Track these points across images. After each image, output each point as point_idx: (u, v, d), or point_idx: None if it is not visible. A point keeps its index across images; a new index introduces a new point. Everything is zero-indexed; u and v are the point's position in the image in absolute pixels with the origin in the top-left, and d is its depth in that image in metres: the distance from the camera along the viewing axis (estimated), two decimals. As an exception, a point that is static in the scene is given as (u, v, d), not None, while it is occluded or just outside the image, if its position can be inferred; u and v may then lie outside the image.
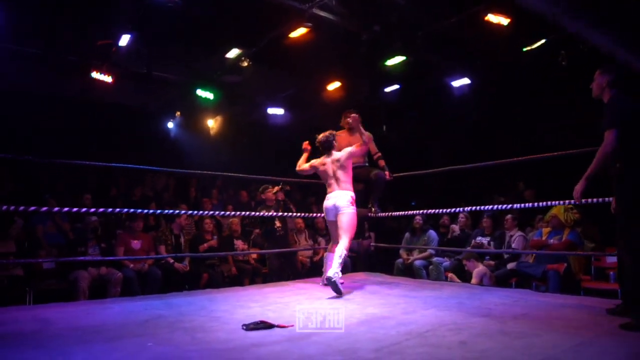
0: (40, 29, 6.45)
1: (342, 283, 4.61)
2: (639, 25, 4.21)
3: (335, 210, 4.73)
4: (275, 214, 6.48)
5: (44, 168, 7.01)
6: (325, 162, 4.89)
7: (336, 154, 4.85)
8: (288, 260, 6.94)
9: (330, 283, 4.35)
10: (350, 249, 7.04)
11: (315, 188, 7.58)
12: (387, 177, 5.68)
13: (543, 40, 7.28)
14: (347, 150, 4.80)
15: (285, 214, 6.63)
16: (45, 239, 6.05)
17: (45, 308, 4.17)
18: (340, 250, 4.52)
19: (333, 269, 4.38)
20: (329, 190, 4.87)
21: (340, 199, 4.71)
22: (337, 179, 4.80)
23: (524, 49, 7.44)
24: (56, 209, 4.26)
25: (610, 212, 3.39)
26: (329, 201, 4.80)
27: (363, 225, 6.94)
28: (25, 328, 3.30)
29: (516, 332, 2.94)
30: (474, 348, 2.61)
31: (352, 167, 4.89)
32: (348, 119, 5.48)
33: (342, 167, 4.78)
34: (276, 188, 6.75)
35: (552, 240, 5.74)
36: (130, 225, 6.38)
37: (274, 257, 6.79)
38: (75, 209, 4.33)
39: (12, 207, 3.87)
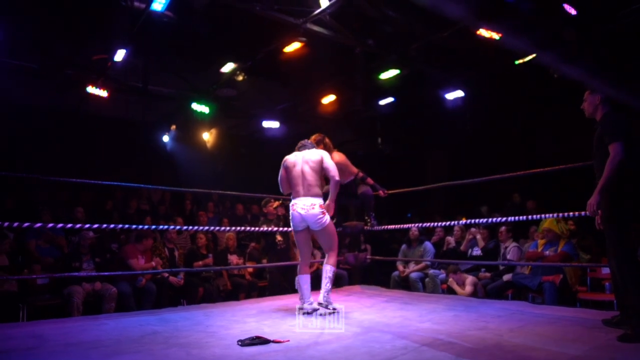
0: (37, 44, 6.50)
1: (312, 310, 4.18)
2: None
3: (309, 221, 4.18)
4: (275, 228, 6.48)
5: (39, 182, 6.99)
6: (296, 163, 4.31)
7: (308, 153, 4.30)
8: (289, 275, 6.91)
9: (325, 309, 4.01)
10: (346, 262, 7.10)
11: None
12: (382, 194, 5.65)
13: (534, 54, 7.37)
14: (325, 157, 4.29)
15: (285, 228, 6.61)
16: (39, 253, 6.02)
17: (40, 324, 4.14)
18: (330, 268, 4.16)
19: (323, 294, 4.06)
20: (294, 195, 4.27)
21: (313, 209, 4.14)
22: (306, 183, 4.21)
23: (516, 62, 7.53)
24: (50, 225, 4.23)
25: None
26: (297, 208, 4.18)
27: (359, 238, 6.96)
28: (19, 345, 3.27)
29: (512, 345, 2.95)
30: (470, 362, 2.62)
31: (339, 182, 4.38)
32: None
33: (313, 169, 4.22)
34: (276, 203, 6.78)
35: (547, 252, 5.75)
36: (140, 241, 6.35)
37: (275, 271, 6.78)
38: (69, 225, 4.32)
39: (5, 224, 3.85)
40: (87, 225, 4.55)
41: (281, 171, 4.39)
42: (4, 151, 6.62)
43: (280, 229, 6.46)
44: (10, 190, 6.90)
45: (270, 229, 6.43)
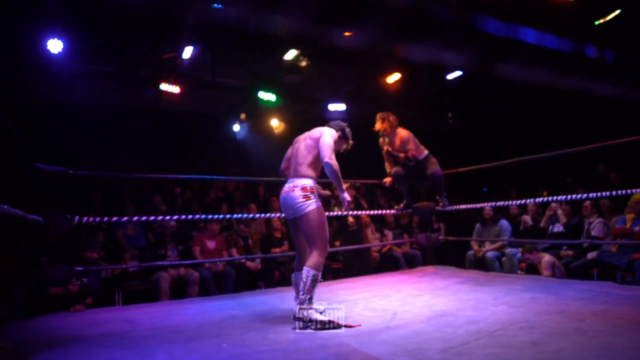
0: (112, 48, 6.95)
1: (321, 312, 3.40)
2: None
3: (289, 207, 3.51)
4: (346, 212, 6.54)
5: (124, 178, 7.54)
6: (298, 140, 3.77)
7: (315, 130, 3.68)
8: (362, 256, 6.99)
9: (301, 322, 3.28)
10: (418, 243, 7.02)
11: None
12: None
13: (618, 11, 6.73)
14: (325, 133, 3.59)
15: (357, 212, 6.64)
16: (127, 242, 6.53)
17: (132, 309, 4.52)
18: (307, 272, 3.30)
19: (297, 306, 3.31)
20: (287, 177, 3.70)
21: (293, 191, 3.46)
22: (295, 162, 3.60)
23: (596, 22, 6.91)
24: (135, 218, 4.57)
25: None
26: (282, 193, 3.58)
27: (431, 218, 6.84)
28: (114, 329, 3.61)
29: (594, 330, 2.79)
30: (547, 349, 2.52)
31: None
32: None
33: (308, 147, 3.58)
34: (345, 185, 6.83)
35: (637, 228, 5.34)
36: (207, 226, 6.72)
37: (348, 253, 6.87)
38: (152, 218, 4.64)
39: (97, 219, 4.21)
40: (168, 217, 4.86)
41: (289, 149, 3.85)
42: (88, 152, 7.19)
43: (352, 212, 6.51)
44: (98, 187, 7.50)
45: (340, 212, 6.49)
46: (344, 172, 3.50)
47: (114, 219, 4.38)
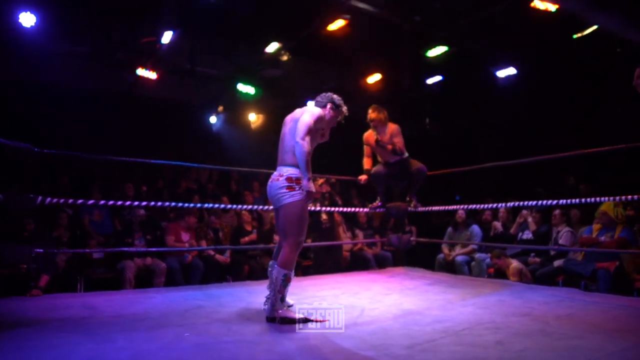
0: (87, 28, 6.74)
1: (290, 306, 3.37)
2: None
3: (272, 196, 3.34)
4: (319, 208, 6.50)
5: (94, 161, 7.33)
6: (285, 122, 3.49)
7: (300, 109, 3.45)
8: (333, 254, 6.97)
9: (272, 322, 3.16)
10: (390, 243, 7.03)
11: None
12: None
13: (595, 27, 6.90)
14: (308, 111, 3.37)
15: (330, 208, 6.61)
16: (93, 228, 6.34)
17: (94, 296, 4.39)
18: (277, 272, 3.17)
19: (268, 307, 3.22)
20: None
21: (277, 180, 3.28)
22: (282, 148, 3.39)
23: (574, 36, 7.07)
24: (102, 202, 4.43)
25: None
26: (269, 181, 3.39)
27: (403, 219, 6.86)
28: (74, 314, 3.48)
29: (558, 333, 2.83)
30: (511, 348, 2.53)
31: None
32: (369, 115, 5.43)
33: (292, 131, 3.31)
34: (321, 181, 6.82)
35: (603, 238, 5.47)
36: (184, 218, 6.58)
37: (320, 250, 6.84)
38: (120, 203, 4.50)
39: (61, 200, 4.06)
40: (137, 203, 4.73)
41: None
42: (59, 133, 6.95)
43: (325, 208, 6.48)
44: (66, 169, 7.26)
45: (315, 208, 6.45)
46: (322, 169, 3.37)
47: (80, 201, 4.23)
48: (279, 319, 3.15)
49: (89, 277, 5.71)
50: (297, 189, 3.22)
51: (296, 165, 3.24)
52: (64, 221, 5.94)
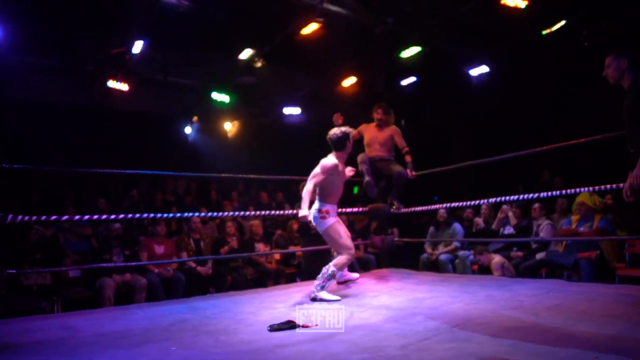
0: (55, 41, 6.54)
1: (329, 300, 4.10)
2: None
3: (315, 225, 4.38)
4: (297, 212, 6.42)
5: (65, 177, 7.11)
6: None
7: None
8: (322, 258, 6.90)
9: (314, 301, 4.07)
10: (374, 246, 7.02)
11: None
12: (410, 175, 5.47)
13: (563, 22, 7.05)
14: (317, 167, 4.31)
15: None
16: (69, 247, 6.13)
17: (72, 316, 4.20)
18: (329, 267, 4.19)
19: (315, 288, 4.14)
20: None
21: (314, 213, 4.32)
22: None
23: (543, 32, 7.21)
24: (77, 217, 4.27)
25: None
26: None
27: (386, 221, 6.85)
28: (51, 336, 3.32)
29: (549, 323, 2.83)
30: (505, 342, 2.51)
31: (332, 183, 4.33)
32: (376, 114, 5.47)
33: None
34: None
35: (582, 228, 5.55)
36: (153, 230, 6.41)
37: (309, 255, 6.77)
38: (95, 217, 4.35)
39: (34, 217, 3.90)
40: (113, 216, 4.58)
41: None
42: (28, 149, 6.72)
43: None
44: (36, 185, 7.01)
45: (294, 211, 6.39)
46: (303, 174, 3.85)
47: (52, 217, 4.07)
48: (318, 298, 4.04)
49: (67, 298, 5.50)
50: (327, 217, 4.26)
51: (324, 202, 4.30)
52: (34, 238, 5.72)
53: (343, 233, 4.33)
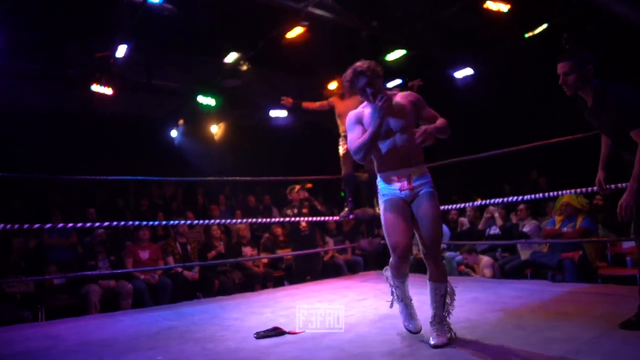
0: (38, 45, 6.43)
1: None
2: None
3: None
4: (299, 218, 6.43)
5: (50, 184, 7.01)
6: None
7: None
8: (313, 261, 6.92)
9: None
10: (361, 248, 7.05)
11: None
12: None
13: (545, 25, 7.15)
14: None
15: (311, 218, 6.53)
16: (54, 254, 6.04)
17: (56, 324, 4.17)
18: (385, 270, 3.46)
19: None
20: None
21: None
22: None
23: (526, 35, 7.31)
24: (60, 225, 4.23)
25: None
26: None
27: (372, 223, 6.88)
28: (36, 346, 3.28)
29: (533, 326, 2.86)
30: (490, 345, 2.54)
31: None
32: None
33: None
34: (297, 187, 6.77)
35: (565, 229, 5.62)
36: (137, 235, 6.35)
37: (299, 258, 6.77)
38: (79, 225, 4.30)
39: (16, 226, 3.85)
40: (97, 224, 4.54)
41: None
42: (11, 155, 6.60)
43: (305, 218, 6.39)
44: (20, 193, 6.90)
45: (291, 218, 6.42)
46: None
47: (36, 226, 4.02)
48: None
49: (51, 306, 5.42)
50: (380, 195, 3.07)
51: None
52: (19, 246, 5.64)
53: (390, 221, 3.01)
